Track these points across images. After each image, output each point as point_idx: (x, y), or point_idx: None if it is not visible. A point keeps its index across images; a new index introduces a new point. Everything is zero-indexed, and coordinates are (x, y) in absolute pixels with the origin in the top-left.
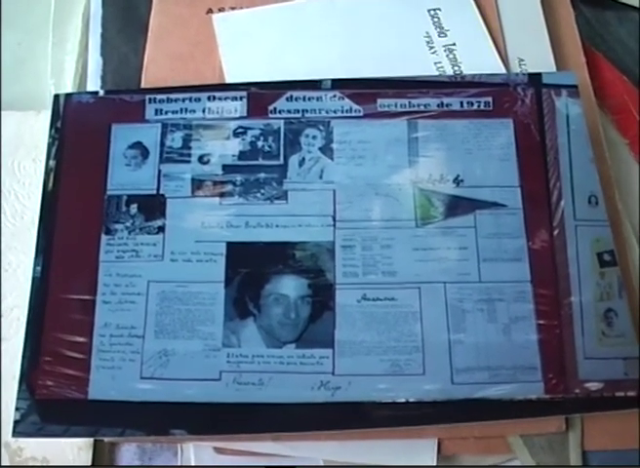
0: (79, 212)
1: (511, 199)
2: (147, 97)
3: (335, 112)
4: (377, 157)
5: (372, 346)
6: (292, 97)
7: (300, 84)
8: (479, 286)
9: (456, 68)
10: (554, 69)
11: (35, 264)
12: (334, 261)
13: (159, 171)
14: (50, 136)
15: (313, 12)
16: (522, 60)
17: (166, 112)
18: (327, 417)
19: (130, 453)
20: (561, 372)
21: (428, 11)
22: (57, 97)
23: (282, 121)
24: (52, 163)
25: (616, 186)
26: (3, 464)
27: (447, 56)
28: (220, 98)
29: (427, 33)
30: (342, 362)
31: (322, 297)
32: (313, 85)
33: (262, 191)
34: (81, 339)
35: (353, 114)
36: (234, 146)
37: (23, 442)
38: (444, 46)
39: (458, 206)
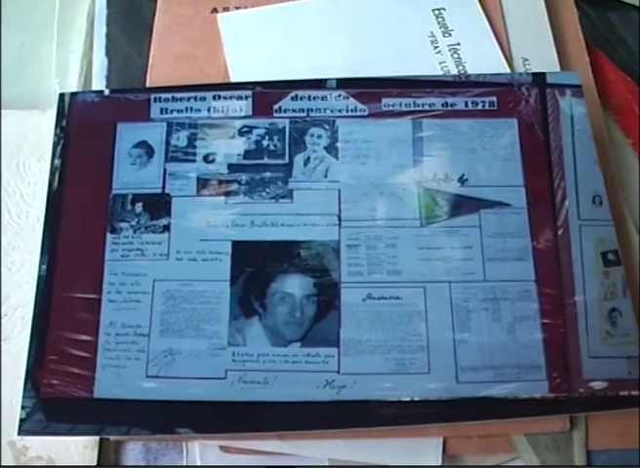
0: (84, 210)
1: (516, 198)
2: (152, 96)
3: (340, 111)
4: (381, 156)
5: (377, 345)
6: (297, 96)
7: (304, 83)
8: (484, 285)
9: (460, 68)
10: (558, 69)
11: (41, 263)
12: (339, 260)
13: (164, 170)
14: (55, 134)
15: (318, 11)
16: (526, 60)
17: (171, 111)
18: (332, 416)
19: (135, 452)
20: (565, 371)
21: (433, 10)
22: (62, 95)
23: (287, 120)
24: (57, 162)
25: (619, 186)
26: (7, 463)
27: (451, 55)
28: (225, 98)
29: (432, 33)
30: (348, 361)
31: (327, 296)
32: (318, 84)
33: (268, 190)
34: (86, 338)
35: (358, 113)
36: (239, 145)
37: (29, 440)
38: (448, 45)
39: (462, 205)
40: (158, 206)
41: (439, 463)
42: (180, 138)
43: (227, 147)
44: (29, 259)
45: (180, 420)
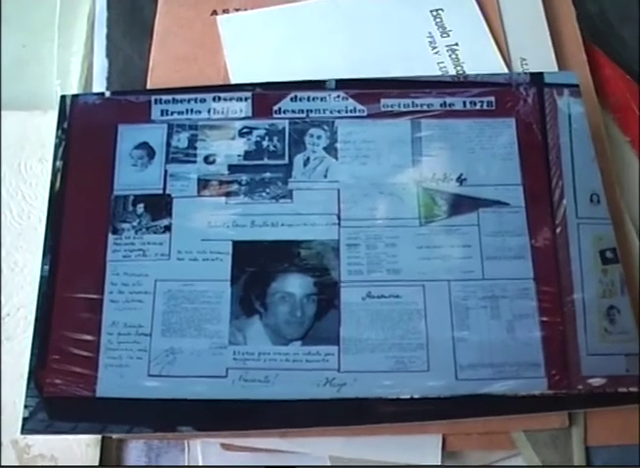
0: (86, 211)
1: (514, 197)
2: (153, 97)
3: (339, 112)
4: (381, 156)
5: (377, 343)
6: (296, 97)
7: (304, 84)
8: (483, 283)
9: (458, 68)
10: (556, 68)
11: (43, 263)
12: (339, 260)
13: (165, 171)
14: (57, 136)
15: (316, 13)
16: (524, 60)
17: (172, 113)
18: (333, 414)
19: (137, 450)
20: (564, 369)
21: (431, 11)
22: (63, 98)
23: (287, 121)
24: (59, 163)
25: (617, 184)
26: (11, 461)
27: (449, 56)
28: (225, 99)
29: (430, 33)
30: (348, 359)
31: (327, 295)
32: (317, 85)
33: (268, 190)
34: (89, 338)
35: (357, 114)
36: (240, 146)
37: (31, 439)
38: (446, 46)
39: (461, 204)
40: (159, 206)
41: (439, 460)
42: (181, 140)
43: (228, 148)
44: (32, 260)
45: (182, 418)
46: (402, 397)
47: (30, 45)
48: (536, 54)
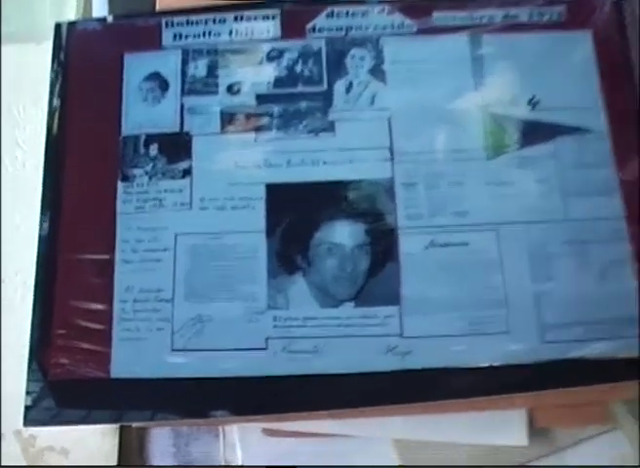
0: (90, 157)
1: (596, 122)
2: (164, 20)
3: (384, 29)
4: (436, 78)
5: (445, 302)
6: (333, 12)
7: None
8: (565, 225)
9: None
10: None
11: (42, 221)
12: (394, 202)
13: (182, 105)
14: (52, 70)
15: None
16: None
17: (186, 37)
18: (395, 389)
19: (163, 438)
20: None
21: None
22: (58, 25)
23: (323, 41)
24: (56, 102)
25: None
26: (15, 455)
27: None
28: (248, 18)
29: None
30: (411, 321)
31: (383, 245)
32: None
33: (305, 123)
34: (99, 307)
35: (405, 30)
36: (268, 73)
37: (36, 428)
38: None
39: (534, 132)
40: (176, 147)
41: (526, 440)
42: (199, 68)
43: (255, 75)
44: (30, 216)
45: (215, 401)
46: (479, 365)
47: None
48: None
